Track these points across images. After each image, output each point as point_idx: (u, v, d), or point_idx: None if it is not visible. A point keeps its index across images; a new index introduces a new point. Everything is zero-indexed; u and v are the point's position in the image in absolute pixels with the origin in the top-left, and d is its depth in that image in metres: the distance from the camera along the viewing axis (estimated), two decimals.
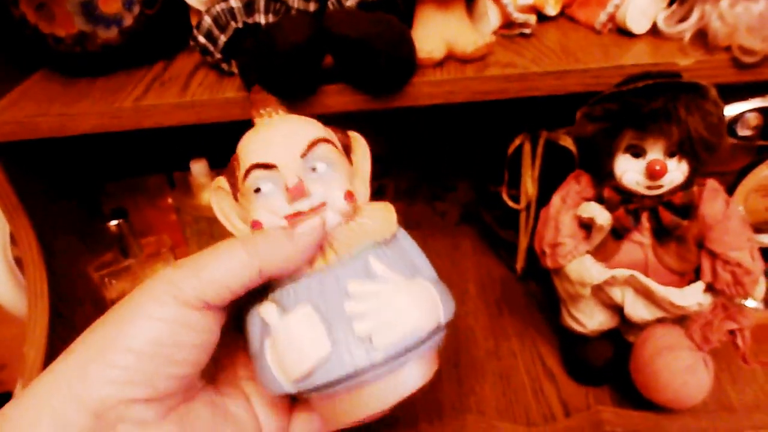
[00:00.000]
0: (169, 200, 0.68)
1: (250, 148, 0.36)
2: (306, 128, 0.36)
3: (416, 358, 0.34)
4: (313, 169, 0.35)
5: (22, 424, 0.29)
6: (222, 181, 0.38)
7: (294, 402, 0.40)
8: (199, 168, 0.59)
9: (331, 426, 0.36)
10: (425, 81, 0.47)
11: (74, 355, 0.30)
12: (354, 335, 0.32)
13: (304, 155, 0.34)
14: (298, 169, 0.34)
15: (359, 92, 0.47)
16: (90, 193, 0.68)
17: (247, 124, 0.41)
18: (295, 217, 0.34)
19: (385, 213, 0.37)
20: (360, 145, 0.39)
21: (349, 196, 0.35)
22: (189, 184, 0.60)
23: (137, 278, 0.66)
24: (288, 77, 0.44)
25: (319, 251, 0.35)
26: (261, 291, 0.35)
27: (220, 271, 0.32)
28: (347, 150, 0.38)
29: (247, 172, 0.35)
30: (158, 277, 0.32)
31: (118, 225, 0.61)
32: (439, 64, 0.49)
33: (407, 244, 0.38)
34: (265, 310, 0.34)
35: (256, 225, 0.35)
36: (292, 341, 0.32)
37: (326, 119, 0.39)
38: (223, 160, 0.64)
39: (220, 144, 0.65)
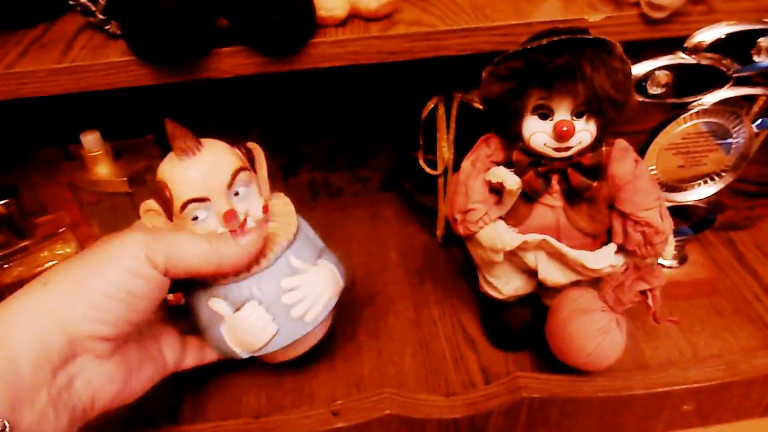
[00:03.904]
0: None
1: (182, 183, 0.41)
2: (226, 160, 0.43)
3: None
4: (236, 194, 0.43)
5: (9, 340, 0.34)
6: (152, 204, 0.43)
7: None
8: (91, 140, 0.54)
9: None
10: (326, 41, 0.44)
11: (55, 291, 0.37)
12: (291, 317, 0.45)
13: (229, 186, 0.42)
14: (227, 197, 0.42)
15: (256, 54, 0.44)
16: None
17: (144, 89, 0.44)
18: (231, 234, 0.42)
19: (287, 212, 0.48)
20: (259, 153, 0.46)
21: (266, 209, 0.45)
22: (82, 158, 0.55)
23: (36, 260, 0.61)
24: (173, 38, 0.40)
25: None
26: (204, 287, 0.45)
27: (187, 252, 0.40)
28: (252, 161, 0.45)
29: (184, 205, 0.41)
30: (133, 238, 0.39)
31: (6, 204, 0.56)
32: (342, 23, 0.46)
33: (306, 229, 0.49)
34: (216, 305, 0.44)
35: None
36: (247, 329, 0.44)
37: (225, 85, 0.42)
38: (123, 128, 0.61)
39: (124, 108, 0.61)
